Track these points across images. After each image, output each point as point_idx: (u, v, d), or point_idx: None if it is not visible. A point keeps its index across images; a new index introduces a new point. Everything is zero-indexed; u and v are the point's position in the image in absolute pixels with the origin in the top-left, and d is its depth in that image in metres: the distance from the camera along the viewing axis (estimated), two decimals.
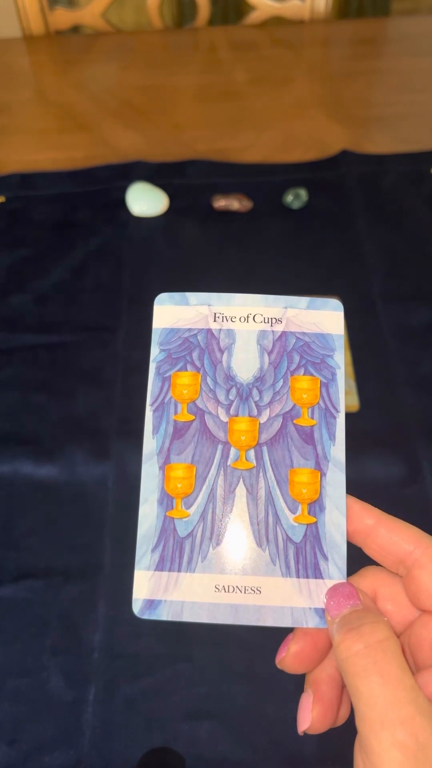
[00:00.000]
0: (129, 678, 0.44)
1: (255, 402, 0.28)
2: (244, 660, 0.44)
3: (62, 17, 1.02)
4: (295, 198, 0.71)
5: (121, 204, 0.72)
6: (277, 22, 1.03)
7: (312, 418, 0.28)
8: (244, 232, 0.70)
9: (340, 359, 0.29)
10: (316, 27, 1.02)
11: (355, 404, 0.56)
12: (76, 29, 1.08)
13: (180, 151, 0.79)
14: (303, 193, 0.71)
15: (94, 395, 0.58)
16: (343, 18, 1.34)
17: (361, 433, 0.54)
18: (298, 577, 0.26)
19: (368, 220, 0.70)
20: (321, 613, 0.26)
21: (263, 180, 0.75)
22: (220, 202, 0.71)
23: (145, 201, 0.71)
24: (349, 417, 0.57)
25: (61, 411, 0.57)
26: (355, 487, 0.54)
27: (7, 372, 0.60)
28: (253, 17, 1.02)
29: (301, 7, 1.01)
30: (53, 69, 0.96)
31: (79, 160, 0.79)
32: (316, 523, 0.27)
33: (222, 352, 0.29)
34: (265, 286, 0.64)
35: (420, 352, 0.60)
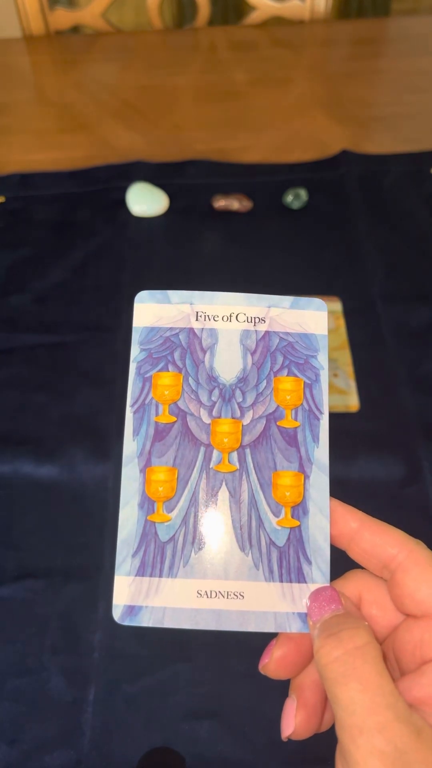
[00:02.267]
0: (129, 678, 0.44)
1: (238, 403, 0.28)
2: (244, 660, 0.44)
3: (62, 17, 1.02)
4: (295, 198, 0.71)
5: (121, 204, 0.72)
6: (277, 22, 1.03)
7: (295, 419, 0.27)
8: (244, 232, 0.70)
9: (324, 360, 0.29)
10: (316, 27, 1.02)
11: (355, 404, 0.56)
12: (76, 29, 1.08)
13: (180, 151, 0.79)
14: (303, 193, 0.71)
15: (94, 395, 0.58)
16: (343, 18, 1.34)
17: (361, 433, 0.54)
18: (281, 581, 0.26)
19: (368, 220, 0.70)
20: (304, 617, 0.25)
21: (263, 180, 0.75)
22: (220, 202, 0.71)
23: (145, 201, 0.71)
24: (349, 417, 0.57)
25: (61, 411, 0.57)
26: (355, 487, 0.54)
27: (7, 372, 0.60)
28: (253, 17, 1.02)
29: (301, 7, 1.01)
30: (53, 69, 0.96)
31: (79, 160, 0.79)
32: (299, 526, 0.26)
33: (204, 352, 0.28)
34: (264, 286, 0.64)
35: (420, 352, 0.60)
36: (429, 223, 0.70)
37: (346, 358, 0.59)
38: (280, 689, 0.42)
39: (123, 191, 0.72)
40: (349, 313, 0.62)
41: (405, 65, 0.92)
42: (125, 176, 0.75)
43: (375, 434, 0.54)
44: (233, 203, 0.70)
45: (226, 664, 0.44)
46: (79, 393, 0.58)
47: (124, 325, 0.62)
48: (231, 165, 0.77)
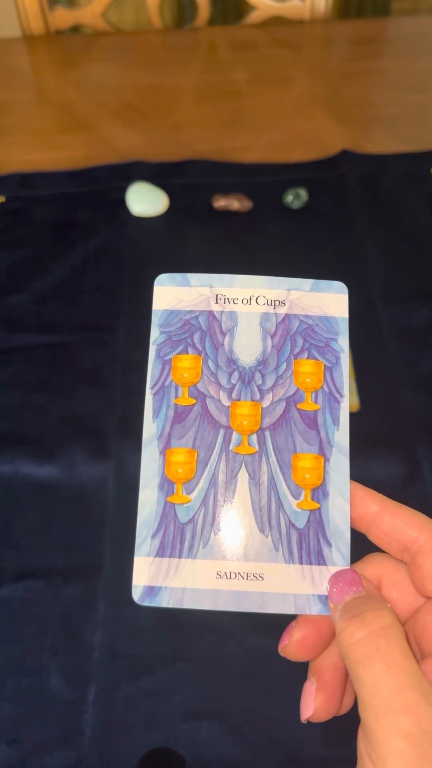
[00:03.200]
0: (129, 678, 0.44)
1: (257, 386, 0.28)
2: (244, 660, 0.44)
3: (62, 17, 1.02)
4: (295, 198, 0.71)
5: (121, 204, 0.72)
6: (277, 22, 1.03)
7: (315, 402, 0.28)
8: (244, 232, 0.70)
9: (345, 343, 0.28)
10: (316, 27, 1.02)
11: (355, 404, 0.56)
12: (76, 29, 1.08)
13: (180, 151, 0.79)
14: (303, 193, 0.71)
15: (94, 395, 0.58)
16: (343, 18, 1.34)
17: (361, 433, 0.54)
18: (301, 563, 0.26)
19: (368, 220, 0.70)
20: (324, 600, 0.25)
21: (263, 180, 0.75)
22: (220, 202, 0.71)
23: (145, 201, 0.71)
24: (349, 417, 0.57)
25: (61, 411, 0.57)
26: None
27: (7, 372, 0.60)
28: (253, 17, 1.02)
29: (301, 7, 1.01)
30: (53, 69, 0.96)
31: (79, 160, 0.79)
32: (319, 509, 0.26)
33: (224, 334, 0.28)
34: None
35: (420, 352, 0.60)
36: (429, 223, 0.70)
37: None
38: (280, 690, 0.42)
39: (123, 191, 0.72)
40: (349, 313, 0.62)
41: (405, 65, 0.92)
42: (125, 176, 0.75)
43: (375, 434, 0.54)
44: (233, 203, 0.70)
45: (226, 664, 0.44)
46: (79, 393, 0.58)
47: (124, 325, 0.62)
48: (231, 165, 0.77)
